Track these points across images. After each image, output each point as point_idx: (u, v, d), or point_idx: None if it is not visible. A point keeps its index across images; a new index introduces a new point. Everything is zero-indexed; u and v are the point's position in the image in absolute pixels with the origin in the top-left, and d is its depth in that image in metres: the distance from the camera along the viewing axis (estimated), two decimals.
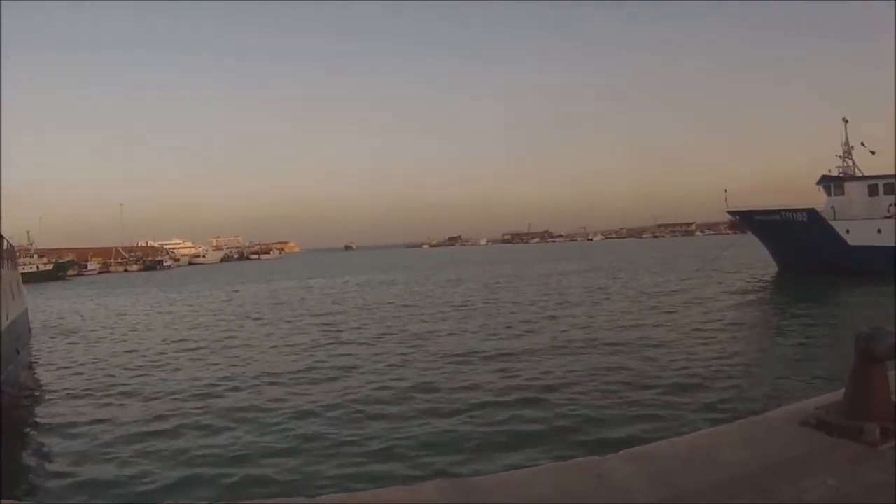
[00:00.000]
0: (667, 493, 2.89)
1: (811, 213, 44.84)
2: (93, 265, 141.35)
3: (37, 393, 19.38)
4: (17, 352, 20.29)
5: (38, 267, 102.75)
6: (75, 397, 18.17)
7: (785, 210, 46.44)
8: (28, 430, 15.42)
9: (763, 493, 2.85)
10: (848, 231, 42.48)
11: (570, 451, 10.85)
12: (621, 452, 3.45)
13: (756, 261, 54.35)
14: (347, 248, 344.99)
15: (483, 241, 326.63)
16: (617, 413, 13.76)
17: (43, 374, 22.19)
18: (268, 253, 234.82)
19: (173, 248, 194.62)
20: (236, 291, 62.56)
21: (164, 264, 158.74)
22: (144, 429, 14.46)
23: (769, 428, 3.75)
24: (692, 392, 15.20)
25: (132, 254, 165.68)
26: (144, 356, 24.69)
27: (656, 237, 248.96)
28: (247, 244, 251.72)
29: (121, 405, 16.85)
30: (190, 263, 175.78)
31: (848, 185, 45.07)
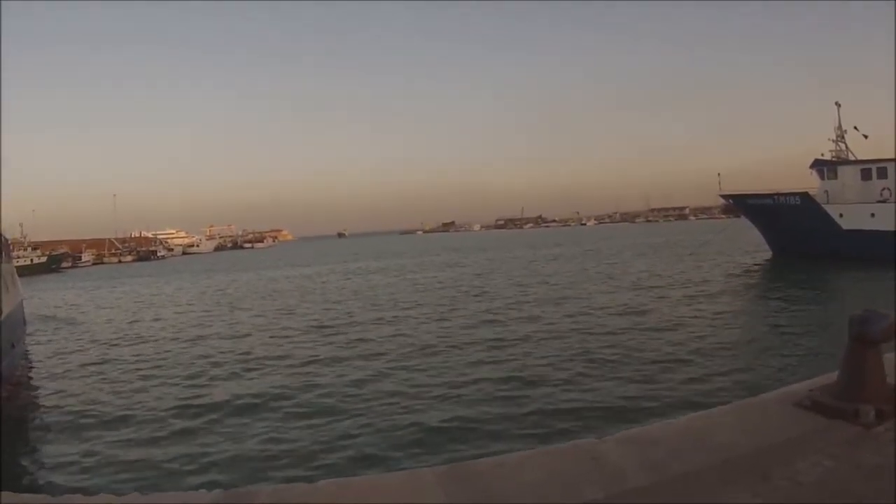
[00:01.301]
0: (662, 476, 2.90)
1: (804, 197, 44.92)
2: (87, 257, 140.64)
3: (34, 385, 19.38)
4: (13, 346, 20.26)
5: (31, 260, 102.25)
6: (72, 388, 18.19)
7: (778, 194, 46.52)
8: (26, 421, 15.45)
9: (758, 475, 2.86)
10: (841, 215, 42.58)
11: (565, 434, 10.90)
12: (616, 435, 3.46)
13: (749, 245, 54.44)
14: (340, 235, 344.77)
15: (477, 227, 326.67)
16: (611, 396, 13.83)
17: (39, 366, 22.17)
18: (262, 241, 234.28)
19: (167, 238, 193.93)
20: (234, 281, 62.46)
21: (158, 254, 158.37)
22: (142, 418, 14.50)
23: (763, 410, 3.76)
24: (686, 375, 15.28)
25: (126, 244, 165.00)
26: (141, 346, 24.71)
27: (650, 221, 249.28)
28: (240, 233, 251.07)
29: (118, 395, 16.88)
30: (184, 253, 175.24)
31: (841, 170, 45.11)
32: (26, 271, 78.27)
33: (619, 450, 3.24)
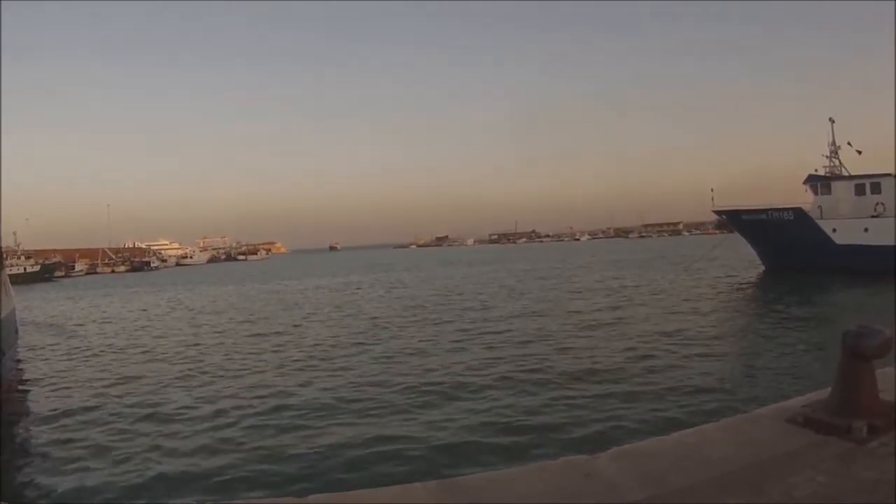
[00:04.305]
0: (655, 492, 2.89)
1: (798, 212, 45.03)
2: (80, 266, 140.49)
3: (26, 393, 19.29)
4: (4, 352, 20.20)
5: (25, 268, 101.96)
6: (65, 396, 18.10)
7: (771, 209, 46.61)
8: (19, 429, 15.35)
9: (752, 491, 2.85)
10: (835, 230, 42.70)
11: (558, 449, 10.85)
12: (609, 451, 3.45)
13: (742, 260, 54.50)
14: (332, 248, 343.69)
15: (470, 241, 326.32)
16: (604, 412, 13.77)
17: (31, 373, 22.07)
18: (255, 254, 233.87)
19: (160, 249, 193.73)
20: (233, 293, 62.34)
21: (152, 265, 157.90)
22: (137, 427, 14.43)
23: (757, 426, 3.75)
24: (679, 390, 15.24)
25: (119, 255, 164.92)
26: (135, 355, 24.62)
27: (643, 237, 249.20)
28: (234, 245, 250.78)
29: (112, 404, 16.77)
30: (177, 264, 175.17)
31: (835, 185, 45.28)
32: (19, 280, 78.09)
33: (612, 466, 3.22)
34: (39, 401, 18.10)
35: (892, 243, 37.47)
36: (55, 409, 16.68)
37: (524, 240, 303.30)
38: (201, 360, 22.85)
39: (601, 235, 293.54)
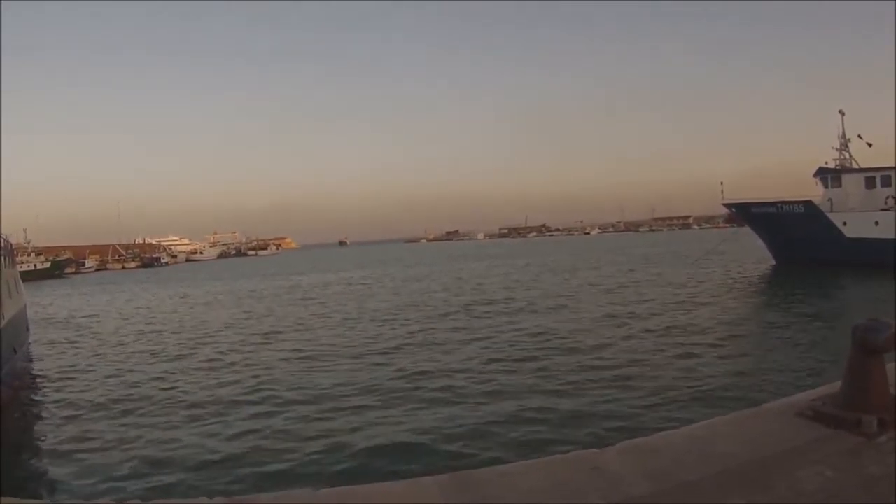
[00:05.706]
0: (663, 486, 2.90)
1: (808, 205, 44.79)
2: (90, 263, 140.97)
3: (35, 390, 19.37)
4: (15, 351, 20.29)
5: (35, 265, 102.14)
6: (75, 393, 18.17)
7: (782, 202, 46.37)
8: (27, 426, 15.44)
9: (760, 485, 2.85)
10: (845, 223, 42.45)
11: (567, 443, 10.86)
12: (618, 445, 3.46)
13: (752, 254, 54.25)
14: (341, 243, 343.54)
15: (480, 236, 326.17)
16: (613, 406, 13.78)
17: (42, 370, 22.17)
18: (265, 249, 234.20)
19: (170, 245, 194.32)
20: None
21: (162, 261, 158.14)
22: (143, 424, 14.47)
23: (765, 420, 3.75)
24: (688, 384, 15.22)
25: (129, 251, 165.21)
26: (145, 350, 24.71)
27: (653, 230, 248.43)
28: (244, 240, 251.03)
29: (120, 401, 16.83)
30: (187, 260, 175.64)
31: (845, 178, 44.98)
32: (30, 276, 78.28)
33: (620, 459, 3.23)
34: (48, 397, 18.20)
35: None
36: (63, 406, 16.79)
37: (534, 234, 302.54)
38: (215, 356, 22.96)
39: (611, 229, 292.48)
